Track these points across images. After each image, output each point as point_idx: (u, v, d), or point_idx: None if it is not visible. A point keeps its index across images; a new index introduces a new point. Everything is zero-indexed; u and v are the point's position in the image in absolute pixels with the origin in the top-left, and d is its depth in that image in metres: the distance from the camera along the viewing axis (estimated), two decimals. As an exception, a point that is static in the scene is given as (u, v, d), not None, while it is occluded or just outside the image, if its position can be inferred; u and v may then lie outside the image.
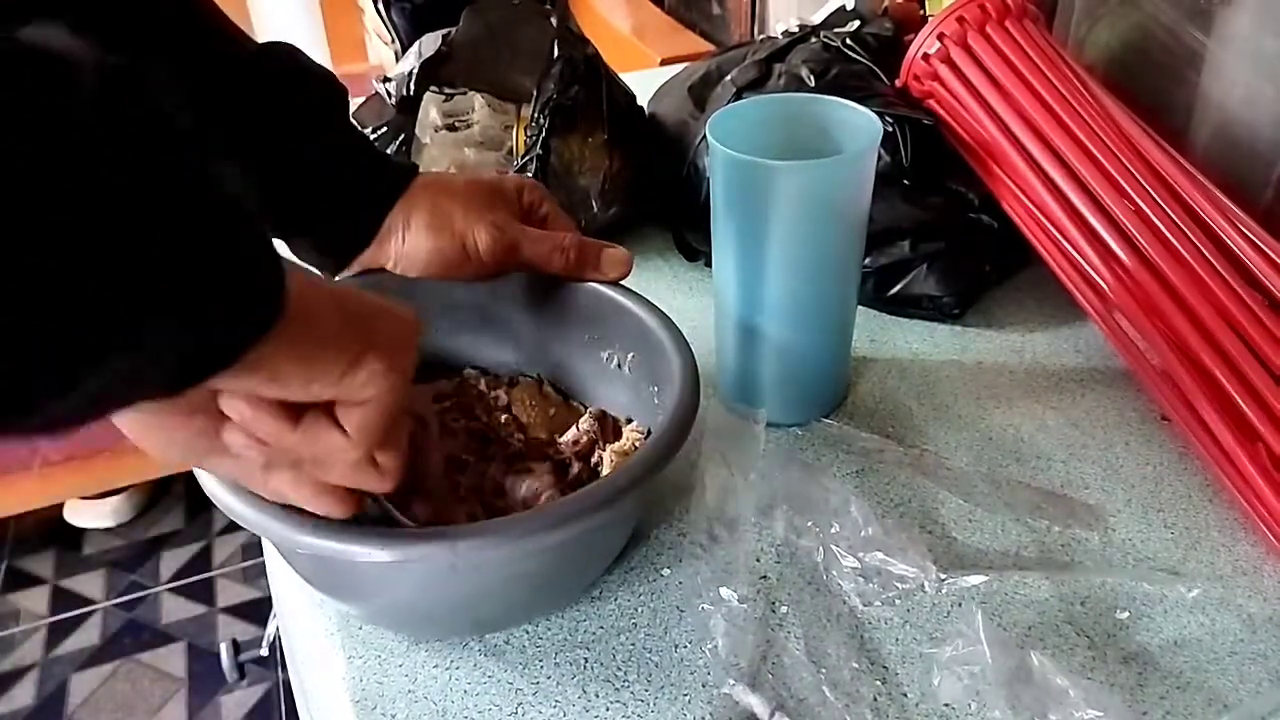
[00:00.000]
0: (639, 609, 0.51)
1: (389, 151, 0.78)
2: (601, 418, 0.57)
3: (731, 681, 0.47)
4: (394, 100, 0.78)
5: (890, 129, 0.71)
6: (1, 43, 0.24)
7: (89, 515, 1.80)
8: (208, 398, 0.36)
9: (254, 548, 1.74)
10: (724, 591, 0.50)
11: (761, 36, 1.05)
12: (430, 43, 0.81)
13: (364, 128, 0.78)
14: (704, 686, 0.47)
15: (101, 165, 0.26)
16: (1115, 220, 0.64)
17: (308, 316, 0.34)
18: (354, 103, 0.70)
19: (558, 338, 0.60)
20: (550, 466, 0.55)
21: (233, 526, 1.78)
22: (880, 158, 0.68)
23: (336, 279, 0.56)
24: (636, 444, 0.55)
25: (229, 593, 1.69)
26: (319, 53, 2.20)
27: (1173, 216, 0.62)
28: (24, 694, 1.53)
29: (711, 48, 1.48)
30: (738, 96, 0.78)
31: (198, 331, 0.29)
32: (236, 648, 1.22)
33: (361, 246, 0.55)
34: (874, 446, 0.61)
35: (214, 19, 0.53)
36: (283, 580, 0.63)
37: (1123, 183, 0.64)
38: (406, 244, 0.54)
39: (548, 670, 0.49)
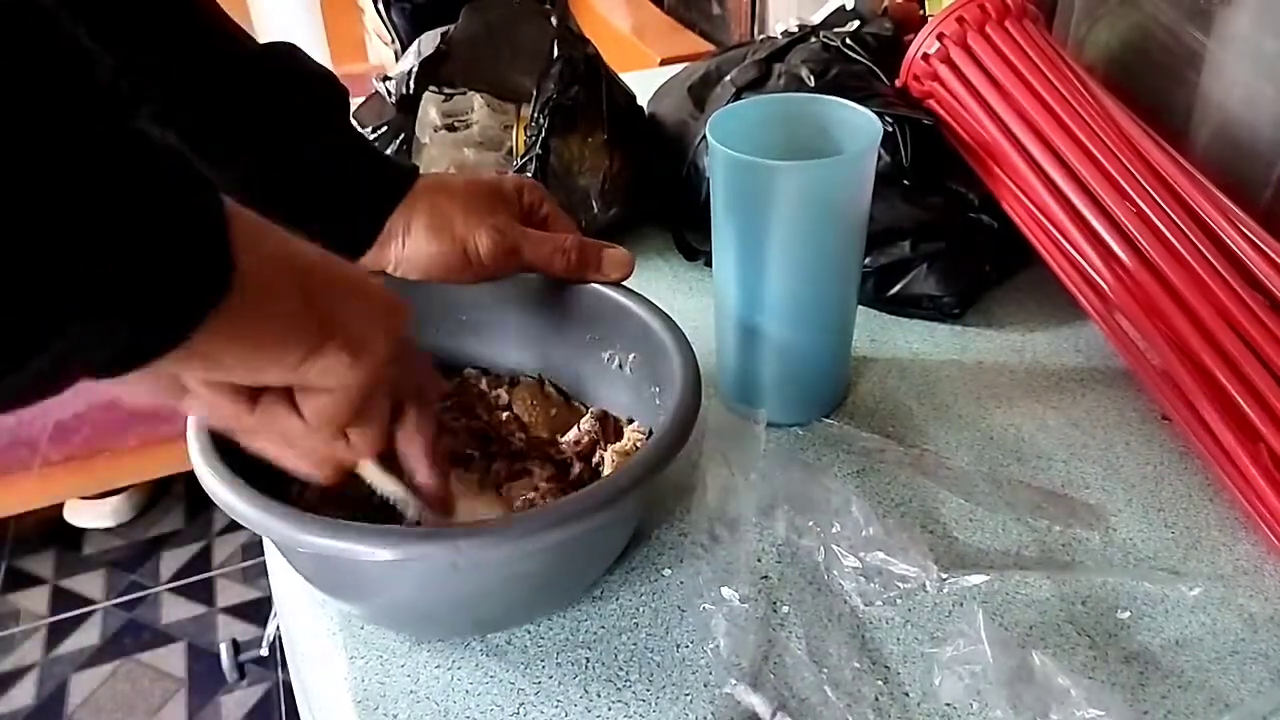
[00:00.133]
0: (640, 609, 0.51)
1: (389, 151, 0.78)
2: (603, 418, 0.57)
3: (733, 681, 0.47)
4: (394, 100, 0.78)
5: (890, 129, 0.71)
6: None
7: (89, 515, 1.80)
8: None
9: (254, 548, 1.74)
10: (725, 591, 0.50)
11: (761, 36, 1.05)
12: (429, 42, 0.81)
13: (364, 128, 0.78)
14: (706, 686, 0.47)
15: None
16: (1115, 220, 0.64)
17: (261, 297, 0.30)
18: (354, 103, 0.70)
19: (559, 338, 0.60)
20: (551, 466, 0.55)
21: (233, 526, 1.78)
22: (880, 158, 0.68)
23: None
24: (638, 444, 0.55)
25: (229, 593, 1.69)
26: (319, 53, 2.20)
27: (1173, 217, 0.62)
28: (24, 694, 1.53)
29: (711, 48, 1.48)
30: (738, 96, 0.78)
31: (107, 324, 0.26)
32: (236, 648, 1.22)
33: (361, 250, 0.55)
34: (875, 446, 0.61)
35: (214, 19, 0.53)
36: (284, 580, 0.63)
37: (1123, 183, 0.64)
38: (407, 248, 0.54)
39: (550, 670, 0.49)
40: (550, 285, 0.58)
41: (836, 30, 0.82)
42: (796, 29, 0.85)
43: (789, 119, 0.60)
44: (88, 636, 1.62)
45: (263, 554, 1.63)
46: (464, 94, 0.81)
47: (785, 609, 0.51)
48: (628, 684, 0.48)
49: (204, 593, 1.69)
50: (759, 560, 0.54)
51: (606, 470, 0.55)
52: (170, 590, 1.70)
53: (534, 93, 0.76)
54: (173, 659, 1.58)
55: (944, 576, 0.52)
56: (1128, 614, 0.50)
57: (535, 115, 0.76)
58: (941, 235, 0.72)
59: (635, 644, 0.50)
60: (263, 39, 0.54)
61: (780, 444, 0.62)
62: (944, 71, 0.73)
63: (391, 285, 0.55)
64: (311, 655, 0.53)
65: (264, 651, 1.20)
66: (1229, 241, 0.62)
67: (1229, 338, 0.58)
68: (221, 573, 1.72)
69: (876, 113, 0.57)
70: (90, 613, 1.66)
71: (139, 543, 1.79)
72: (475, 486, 0.52)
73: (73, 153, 0.25)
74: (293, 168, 0.54)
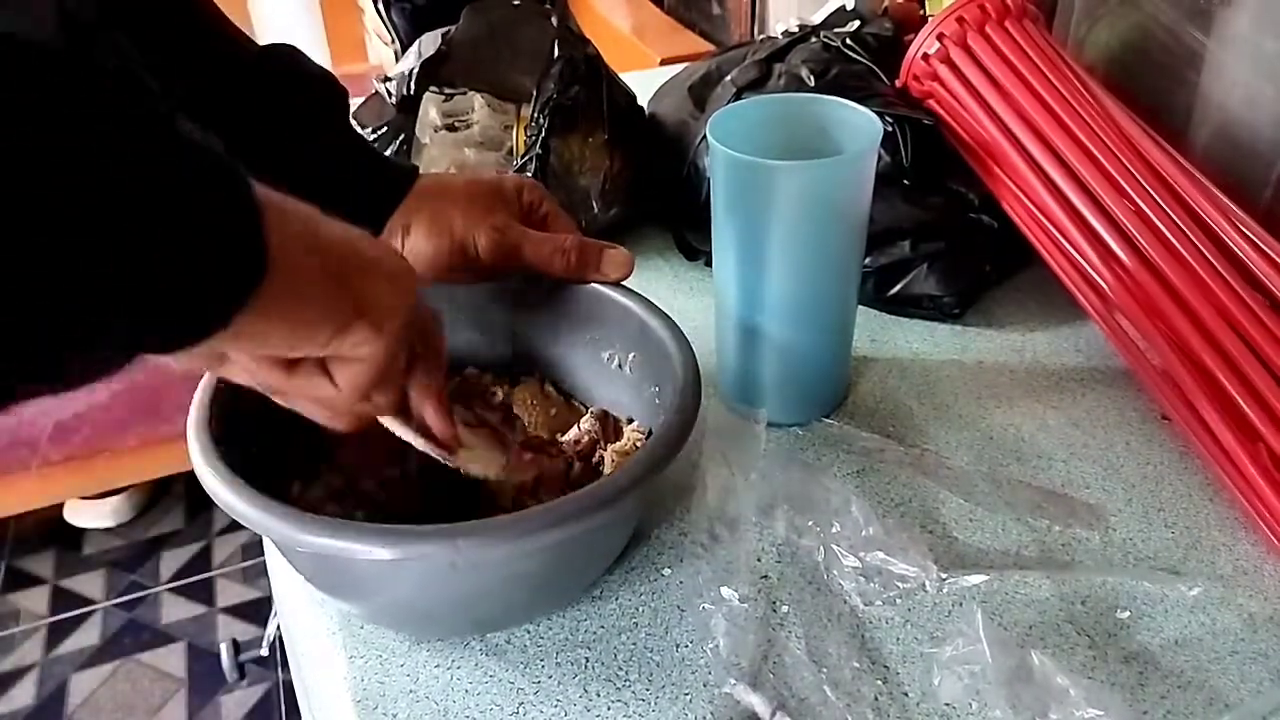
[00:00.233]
0: (640, 608, 0.52)
1: (389, 152, 0.78)
2: (603, 418, 0.57)
3: (733, 681, 0.47)
4: (394, 100, 0.78)
5: (890, 129, 0.71)
6: None
7: (89, 515, 1.80)
8: None
9: (254, 548, 1.74)
10: (725, 591, 0.50)
11: (761, 36, 1.05)
12: (430, 42, 0.81)
13: (364, 128, 0.78)
14: (705, 686, 0.48)
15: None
16: (1115, 220, 0.64)
17: (292, 278, 0.32)
18: (354, 103, 0.70)
19: (559, 338, 0.60)
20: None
21: (233, 526, 1.78)
22: (880, 158, 0.68)
23: None
24: (638, 444, 0.55)
25: (229, 593, 1.69)
26: (319, 53, 2.20)
27: (1173, 217, 0.62)
28: (24, 694, 1.53)
29: (711, 48, 1.48)
30: (738, 96, 0.78)
31: (153, 314, 0.28)
32: (236, 648, 1.22)
33: None
34: (874, 446, 0.61)
35: (214, 20, 0.53)
36: (284, 579, 0.63)
37: (1123, 183, 0.64)
38: (407, 248, 0.54)
39: (549, 670, 0.49)
40: (550, 286, 0.58)
41: (837, 30, 0.82)
42: (797, 29, 0.85)
43: (789, 119, 0.60)
44: (88, 636, 1.62)
45: (263, 554, 1.63)
46: (464, 94, 0.81)
47: (785, 609, 0.51)
48: (627, 684, 0.48)
49: (204, 593, 1.69)
50: (759, 560, 0.54)
51: (606, 470, 0.55)
52: (170, 590, 1.70)
53: (534, 93, 0.76)
54: (173, 659, 1.58)
55: (944, 576, 0.52)
56: (1127, 614, 0.50)
57: (535, 115, 0.76)
58: (941, 235, 0.72)
59: (635, 644, 0.50)
60: (263, 40, 0.55)
61: (780, 444, 0.62)
62: (944, 71, 0.73)
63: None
64: (311, 655, 0.53)
65: (264, 651, 1.20)
66: (1229, 241, 0.62)
67: (1229, 338, 0.58)
68: (221, 573, 1.72)
69: (877, 113, 0.57)
70: (90, 613, 1.66)
71: (139, 543, 1.79)
72: (480, 433, 0.53)
73: (118, 151, 0.26)
74: (292, 169, 0.54)
